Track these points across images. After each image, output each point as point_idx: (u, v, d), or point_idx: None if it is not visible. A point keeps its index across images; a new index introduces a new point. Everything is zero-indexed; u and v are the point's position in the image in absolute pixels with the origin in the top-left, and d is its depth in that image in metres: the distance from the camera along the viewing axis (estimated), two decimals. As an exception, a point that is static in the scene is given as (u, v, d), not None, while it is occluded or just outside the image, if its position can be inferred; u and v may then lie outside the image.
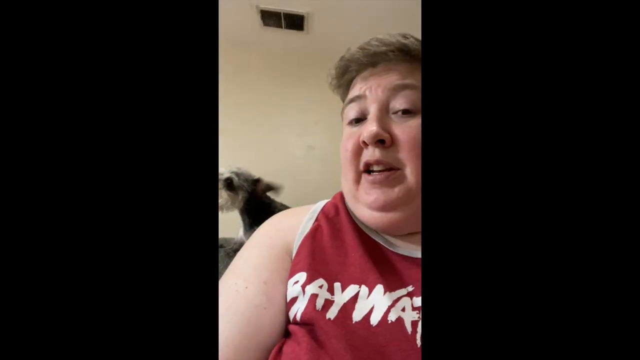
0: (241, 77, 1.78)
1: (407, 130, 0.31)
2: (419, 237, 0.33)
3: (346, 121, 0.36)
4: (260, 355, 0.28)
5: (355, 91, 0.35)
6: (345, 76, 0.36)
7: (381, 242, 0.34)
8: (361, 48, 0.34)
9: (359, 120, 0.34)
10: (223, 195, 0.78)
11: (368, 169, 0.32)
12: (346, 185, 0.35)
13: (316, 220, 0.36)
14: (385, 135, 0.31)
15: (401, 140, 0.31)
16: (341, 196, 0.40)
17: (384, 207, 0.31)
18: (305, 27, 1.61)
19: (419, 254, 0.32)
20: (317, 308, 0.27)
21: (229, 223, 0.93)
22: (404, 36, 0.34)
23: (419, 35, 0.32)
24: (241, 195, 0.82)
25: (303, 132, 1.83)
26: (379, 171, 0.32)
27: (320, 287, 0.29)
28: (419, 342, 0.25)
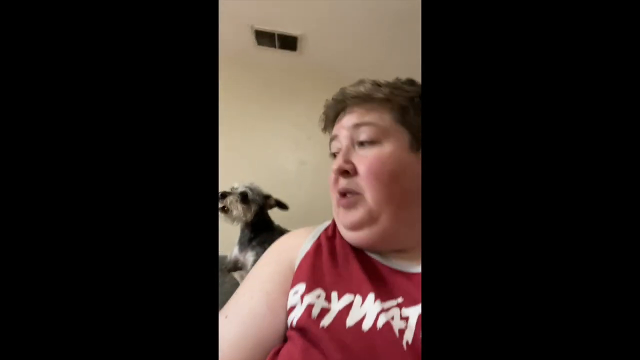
0: (234, 93, 1.80)
1: (364, 160, 0.37)
2: (408, 254, 0.37)
3: (331, 155, 0.43)
4: (259, 356, 0.31)
5: (333, 131, 0.42)
6: (326, 121, 0.45)
7: (374, 257, 0.37)
8: (333, 99, 0.42)
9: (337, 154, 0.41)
10: (239, 208, 0.82)
11: (342, 195, 0.38)
12: (333, 208, 0.41)
13: (317, 239, 0.40)
14: (346, 167, 0.37)
15: (360, 169, 0.37)
16: None
17: (351, 227, 0.37)
18: (298, 47, 1.66)
19: (409, 269, 0.35)
20: (313, 316, 0.30)
21: (222, 241, 0.93)
22: (359, 82, 0.41)
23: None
24: (253, 209, 0.85)
25: (296, 147, 1.85)
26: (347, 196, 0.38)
27: (318, 297, 0.32)
28: (404, 346, 0.28)
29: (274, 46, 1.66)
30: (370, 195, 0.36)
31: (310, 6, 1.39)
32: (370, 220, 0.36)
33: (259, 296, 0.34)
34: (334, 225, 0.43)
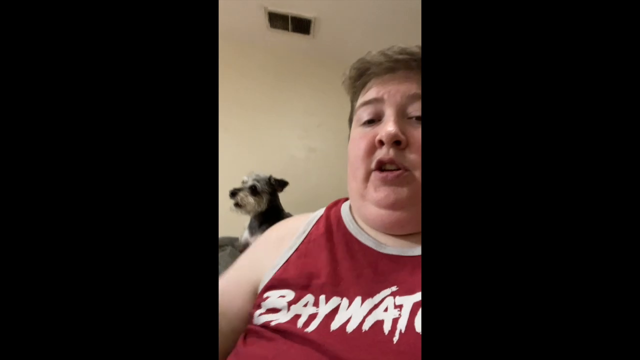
0: (245, 77, 1.79)
1: (419, 134, 0.33)
2: (410, 236, 0.35)
3: (359, 122, 0.37)
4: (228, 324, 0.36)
5: (371, 94, 0.36)
6: (362, 78, 0.37)
7: (372, 246, 0.35)
8: (383, 53, 0.36)
9: (372, 121, 0.35)
10: (250, 201, 0.88)
11: (379, 168, 0.34)
12: (354, 184, 0.36)
13: (308, 234, 0.39)
14: (402, 137, 0.32)
15: (414, 143, 0.33)
16: (333, 206, 0.42)
17: (394, 205, 0.33)
18: (311, 31, 1.62)
19: (409, 252, 0.33)
20: (298, 326, 0.30)
21: (236, 224, 0.98)
22: (415, 47, 0.35)
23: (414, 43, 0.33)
24: (265, 199, 0.92)
25: (305, 135, 1.84)
26: (391, 170, 0.33)
27: (306, 305, 0.32)
28: (395, 338, 0.27)
29: (287, 29, 1.63)
30: (421, 173, 0.32)
31: (325, -13, 1.34)
32: (415, 200, 0.32)
33: (236, 266, 0.40)
34: (326, 217, 0.41)
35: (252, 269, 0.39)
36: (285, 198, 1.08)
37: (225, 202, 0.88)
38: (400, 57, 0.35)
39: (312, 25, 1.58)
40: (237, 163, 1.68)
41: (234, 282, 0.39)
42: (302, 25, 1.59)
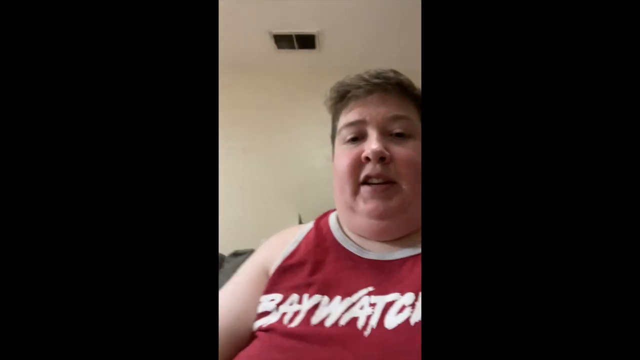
0: (259, 100, 1.88)
1: (404, 150, 0.37)
2: (392, 241, 0.38)
3: (343, 140, 0.40)
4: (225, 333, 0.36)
5: (354, 115, 0.39)
6: (343, 100, 0.41)
7: (355, 252, 0.38)
8: (361, 77, 0.40)
9: (356, 139, 0.39)
10: None
11: (366, 181, 0.37)
12: (342, 197, 0.40)
13: (298, 245, 0.42)
14: (386, 154, 0.36)
15: (398, 158, 0.37)
16: (322, 217, 0.46)
17: (383, 215, 0.37)
18: (317, 45, 1.68)
19: (388, 257, 0.37)
20: (284, 323, 0.33)
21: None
22: (395, 72, 0.40)
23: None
24: None
25: (323, 144, 1.87)
26: (378, 183, 0.37)
27: (292, 304, 0.35)
28: (367, 332, 0.30)
29: (294, 47, 1.70)
30: (407, 184, 0.36)
31: (323, 3, 1.40)
32: (402, 209, 0.37)
33: (230, 287, 0.41)
34: (315, 228, 0.43)
35: (255, 272, 0.42)
36: (308, 206, 1.11)
37: (247, 216, 0.89)
38: (376, 80, 0.39)
39: (316, 39, 1.64)
40: (259, 182, 1.75)
41: (243, 284, 0.41)
42: (307, 41, 1.66)
